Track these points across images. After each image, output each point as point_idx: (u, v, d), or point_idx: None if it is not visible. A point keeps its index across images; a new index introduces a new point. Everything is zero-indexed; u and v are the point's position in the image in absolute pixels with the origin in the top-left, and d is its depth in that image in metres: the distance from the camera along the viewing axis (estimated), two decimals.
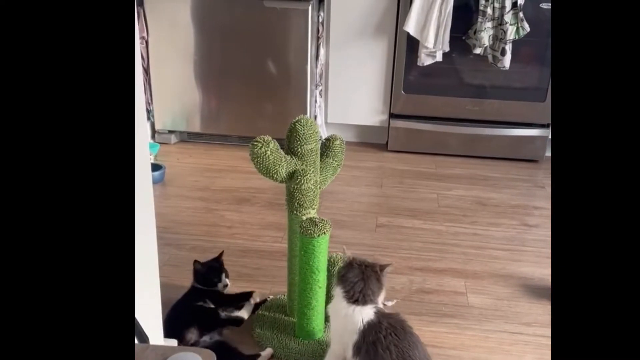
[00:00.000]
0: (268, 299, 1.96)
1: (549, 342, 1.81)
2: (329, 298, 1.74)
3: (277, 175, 1.64)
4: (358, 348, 1.45)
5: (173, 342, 1.65)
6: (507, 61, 2.84)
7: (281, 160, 1.64)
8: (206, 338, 1.74)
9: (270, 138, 1.63)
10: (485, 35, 2.82)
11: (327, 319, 1.74)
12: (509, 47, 2.81)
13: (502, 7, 2.77)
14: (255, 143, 1.62)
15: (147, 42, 3.03)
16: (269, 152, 1.61)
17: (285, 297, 1.92)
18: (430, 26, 2.82)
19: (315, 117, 3.16)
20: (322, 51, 3.09)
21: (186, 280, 1.88)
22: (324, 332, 1.79)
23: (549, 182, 2.93)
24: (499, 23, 2.80)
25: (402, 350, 1.40)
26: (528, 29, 2.78)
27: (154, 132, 3.26)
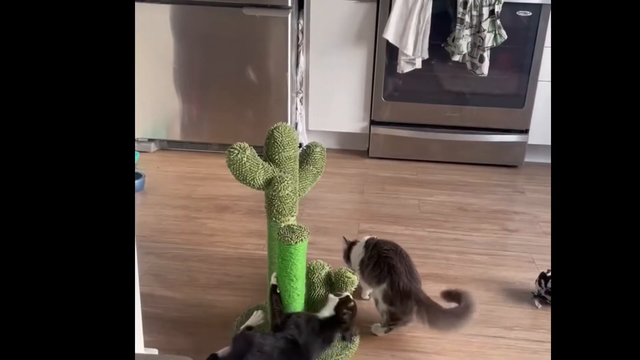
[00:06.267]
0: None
1: (531, 346, 1.84)
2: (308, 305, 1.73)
3: (253, 182, 1.63)
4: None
5: (154, 351, 1.63)
6: (485, 68, 2.87)
7: (258, 167, 1.63)
8: None
9: (247, 145, 1.63)
10: (464, 42, 2.85)
11: None
12: (487, 55, 2.84)
13: (480, 15, 2.80)
14: (231, 150, 1.61)
15: None
16: (245, 159, 1.61)
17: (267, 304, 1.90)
18: (409, 34, 2.84)
19: (296, 125, 3.16)
20: (302, 59, 3.10)
21: (167, 289, 1.85)
22: None
23: (529, 187, 2.96)
24: (477, 30, 2.83)
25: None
26: (505, 37, 2.81)
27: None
